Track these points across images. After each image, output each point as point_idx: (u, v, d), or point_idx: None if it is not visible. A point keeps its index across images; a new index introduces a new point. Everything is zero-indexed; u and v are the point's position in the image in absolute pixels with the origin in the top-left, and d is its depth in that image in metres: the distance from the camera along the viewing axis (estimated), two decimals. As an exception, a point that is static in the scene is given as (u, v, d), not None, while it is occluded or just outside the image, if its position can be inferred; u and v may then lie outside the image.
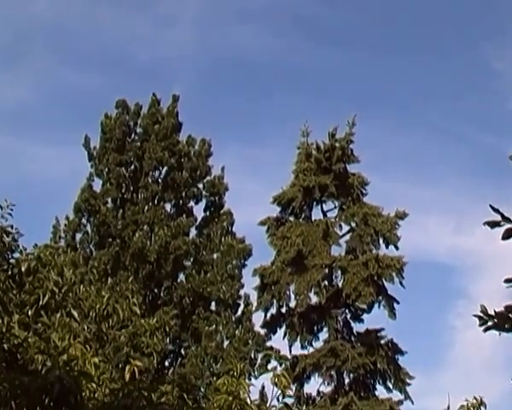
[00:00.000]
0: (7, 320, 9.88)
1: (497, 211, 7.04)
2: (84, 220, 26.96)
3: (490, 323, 7.34)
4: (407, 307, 27.29)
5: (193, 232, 27.32)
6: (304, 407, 24.61)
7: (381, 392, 24.82)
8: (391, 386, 24.73)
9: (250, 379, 20.87)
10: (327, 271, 25.16)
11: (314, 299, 25.13)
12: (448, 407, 16.36)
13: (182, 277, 26.72)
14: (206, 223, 27.50)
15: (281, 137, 44.15)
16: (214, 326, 25.76)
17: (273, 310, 25.44)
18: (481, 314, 7.34)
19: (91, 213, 26.82)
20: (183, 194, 27.59)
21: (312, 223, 25.85)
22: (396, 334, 25.14)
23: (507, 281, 7.18)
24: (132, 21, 47.69)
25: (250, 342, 25.66)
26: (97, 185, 27.36)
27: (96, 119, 28.12)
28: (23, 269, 10.60)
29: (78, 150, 27.79)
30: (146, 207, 26.97)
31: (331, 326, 24.94)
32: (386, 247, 25.33)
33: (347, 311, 25.49)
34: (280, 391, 10.82)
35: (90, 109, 39.81)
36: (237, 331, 25.91)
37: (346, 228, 25.79)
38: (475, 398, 14.93)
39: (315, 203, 26.18)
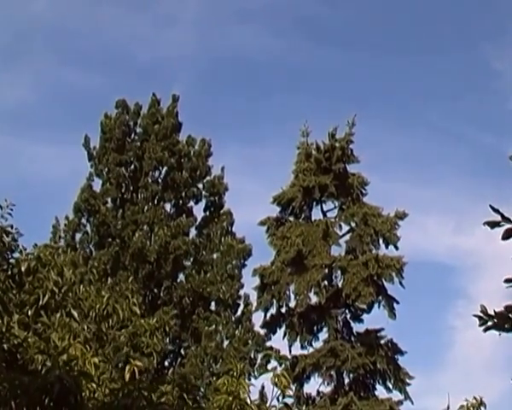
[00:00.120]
0: (7, 320, 9.88)
1: (496, 211, 7.05)
2: (83, 220, 26.97)
3: (490, 323, 7.35)
4: (407, 307, 27.32)
5: (193, 232, 27.35)
6: (304, 407, 24.62)
7: (380, 392, 24.87)
8: (391, 386, 24.75)
9: (250, 379, 20.86)
10: (327, 271, 25.16)
11: (314, 299, 25.17)
12: (448, 407, 16.38)
13: (182, 277, 26.72)
14: (205, 223, 27.50)
15: (281, 137, 44.17)
16: (214, 326, 25.76)
17: (273, 310, 25.47)
18: (481, 314, 7.35)
19: (91, 213, 26.82)
20: (183, 194, 27.59)
21: (312, 223, 25.85)
22: (396, 334, 25.18)
23: (507, 281, 7.19)
24: (132, 21, 47.73)
25: (250, 342, 25.66)
26: (97, 185, 27.40)
27: (96, 119, 28.17)
28: (23, 269, 10.60)
29: (78, 150, 27.84)
30: (146, 207, 26.97)
31: (331, 326, 24.94)
32: (386, 247, 25.36)
33: (347, 311, 25.49)
34: (280, 391, 10.83)
35: (90, 109, 39.81)
36: (237, 331, 25.91)
37: (345, 228, 25.83)
38: (475, 398, 14.94)
39: (315, 203, 26.19)
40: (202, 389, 24.01)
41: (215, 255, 26.98)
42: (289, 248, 24.97)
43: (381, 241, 25.31)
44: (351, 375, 24.69)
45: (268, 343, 25.75)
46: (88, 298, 11.96)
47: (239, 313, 26.44)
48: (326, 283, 25.25)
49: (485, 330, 7.39)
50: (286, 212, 26.06)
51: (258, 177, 42.75)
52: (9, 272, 10.52)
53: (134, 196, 27.32)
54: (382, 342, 24.81)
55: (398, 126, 45.89)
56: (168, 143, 27.52)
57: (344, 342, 24.63)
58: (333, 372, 24.56)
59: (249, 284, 26.04)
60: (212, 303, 26.52)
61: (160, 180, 27.59)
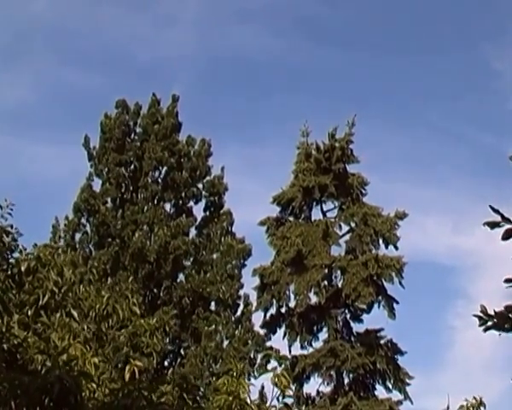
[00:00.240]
0: (6, 320, 9.89)
1: (496, 211, 7.05)
2: (83, 220, 26.96)
3: (489, 323, 7.35)
4: (406, 307, 27.31)
5: (192, 232, 27.34)
6: (303, 407, 24.62)
7: (380, 392, 24.87)
8: (390, 386, 24.75)
9: (250, 379, 20.82)
10: (326, 271, 25.16)
11: (314, 299, 25.16)
12: (448, 407, 16.39)
13: (181, 277, 26.71)
14: (205, 223, 27.50)
15: (281, 137, 44.18)
16: (214, 326, 25.75)
17: (273, 310, 25.46)
18: (481, 314, 7.35)
19: (91, 213, 26.82)
20: (183, 194, 27.58)
21: (312, 223, 25.85)
22: (395, 334, 25.19)
23: (507, 281, 7.19)
24: (132, 21, 47.73)
25: (250, 342, 25.66)
26: (97, 185, 27.39)
27: (96, 119, 28.15)
28: (23, 269, 10.61)
29: (78, 150, 27.83)
30: (145, 207, 26.96)
31: (331, 326, 24.95)
32: (386, 247, 25.36)
33: (347, 311, 25.49)
34: (280, 391, 10.85)
35: (90, 109, 39.81)
36: (237, 331, 25.91)
37: (345, 228, 25.83)
38: (475, 398, 14.96)
39: (315, 203, 26.18)
40: (202, 389, 23.88)
41: (215, 255, 26.97)
42: (289, 248, 24.97)
43: (380, 241, 25.32)
44: (350, 375, 24.70)
45: (268, 343, 25.76)
46: (88, 298, 11.96)
47: (239, 313, 26.44)
48: (326, 283, 25.25)
49: (485, 330, 7.40)
50: (286, 212, 26.07)
51: (258, 177, 42.78)
52: (9, 272, 10.53)
53: (134, 196, 27.31)
54: (382, 342, 24.81)
55: (398, 126, 45.94)
56: (168, 143, 27.52)
57: (344, 343, 24.63)
58: (333, 372, 24.56)
59: (249, 284, 26.08)
60: (212, 303, 26.52)
61: (159, 180, 27.58)
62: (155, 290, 26.54)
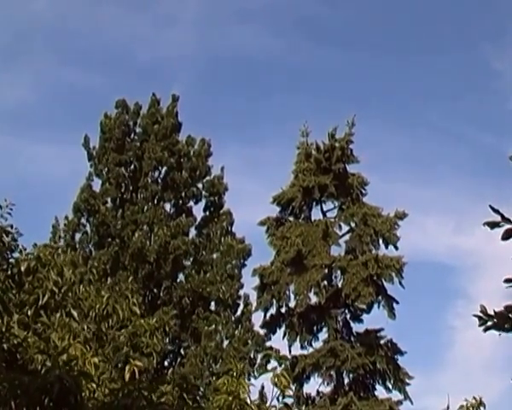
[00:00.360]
0: (6, 320, 9.89)
1: (496, 211, 7.05)
2: (83, 220, 26.96)
3: (489, 323, 7.35)
4: (406, 307, 27.31)
5: (192, 232, 27.34)
6: (303, 407, 24.62)
7: (380, 392, 24.86)
8: (390, 386, 24.74)
9: (250, 379, 20.83)
10: (326, 271, 25.15)
11: (314, 299, 25.16)
12: (447, 407, 16.40)
13: (181, 277, 26.71)
14: (205, 223, 27.50)
15: (281, 137, 44.18)
16: (214, 326, 25.75)
17: (273, 310, 25.46)
18: (481, 314, 7.35)
19: (91, 213, 26.82)
20: (183, 194, 27.58)
21: (312, 223, 25.84)
22: (395, 334, 25.19)
23: (506, 281, 7.19)
24: (132, 21, 47.73)
25: (250, 342, 25.66)
26: (97, 185, 27.39)
27: (96, 118, 28.16)
28: (22, 269, 10.61)
29: (78, 150, 27.83)
30: (145, 207, 26.96)
31: (331, 326, 24.94)
32: (386, 247, 25.35)
33: (347, 311, 25.48)
34: (279, 391, 10.85)
35: (90, 109, 39.82)
36: (237, 331, 25.91)
37: (345, 228, 25.82)
38: (475, 398, 14.96)
39: (314, 203, 26.18)
40: (202, 389, 23.89)
41: (215, 255, 26.97)
42: (289, 248, 24.97)
43: (380, 241, 25.32)
44: (350, 375, 24.69)
45: (268, 343, 25.76)
46: (88, 298, 11.96)
47: (239, 313, 26.44)
48: (326, 283, 25.25)
49: (485, 330, 7.40)
50: (286, 212, 26.06)
51: (258, 177, 42.79)
52: (9, 272, 10.53)
53: (134, 196, 27.31)
54: (382, 342, 24.81)
55: (398, 126, 45.95)
56: (168, 143, 27.52)
57: (344, 343, 24.63)
58: (332, 372, 24.56)
59: (249, 284, 26.08)
60: (212, 303, 26.52)
61: (159, 180, 27.58)
62: (155, 290, 26.54)
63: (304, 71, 45.62)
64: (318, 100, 44.14)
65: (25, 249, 10.82)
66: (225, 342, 25.80)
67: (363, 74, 47.25)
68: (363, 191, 26.00)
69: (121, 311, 12.09)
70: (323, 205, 26.19)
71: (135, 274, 25.29)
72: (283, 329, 25.37)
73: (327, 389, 24.82)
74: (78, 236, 26.85)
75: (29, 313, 10.53)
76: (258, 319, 25.80)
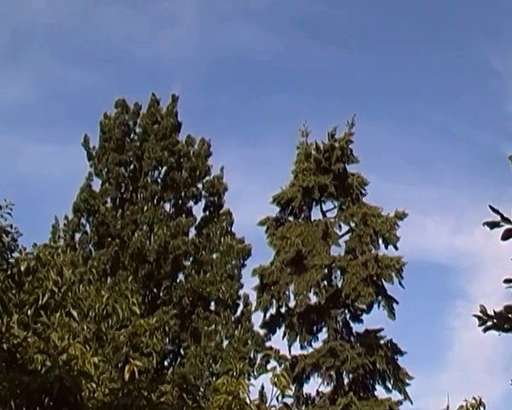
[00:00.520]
0: (6, 320, 9.88)
1: (496, 211, 7.06)
2: (83, 220, 26.95)
3: (489, 323, 7.36)
4: (406, 307, 27.33)
5: (192, 232, 27.33)
6: (303, 408, 24.61)
7: (380, 392, 24.86)
8: (390, 386, 24.74)
9: (249, 379, 20.86)
10: (326, 271, 25.15)
11: (313, 299, 25.17)
12: (447, 408, 16.36)
13: (181, 277, 26.71)
14: (205, 223, 27.49)
15: (280, 137, 44.21)
16: (213, 326, 25.75)
17: (272, 310, 25.45)
18: (481, 314, 7.36)
19: (90, 213, 26.81)
20: (183, 194, 27.58)
21: (312, 223, 25.84)
22: (395, 334, 25.19)
23: (506, 281, 7.19)
24: (132, 21, 47.75)
25: (249, 342, 25.65)
26: (96, 185, 27.38)
27: (96, 118, 28.15)
28: (22, 269, 10.61)
29: (78, 150, 27.83)
30: (145, 207, 26.96)
31: (330, 326, 24.94)
32: (386, 247, 25.35)
33: (347, 311, 25.48)
34: (279, 391, 10.86)
35: (90, 108, 39.88)
36: (237, 331, 25.90)
37: (345, 228, 25.82)
38: (474, 398, 14.92)
39: (314, 203, 26.18)
40: (202, 389, 24.04)
41: (215, 255, 26.97)
42: (289, 248, 24.97)
43: (380, 241, 25.32)
44: (350, 375, 24.69)
45: (267, 343, 25.76)
46: (87, 298, 11.95)
47: (238, 313, 26.44)
48: (325, 283, 25.25)
49: (485, 330, 7.40)
50: (285, 212, 26.06)
51: (258, 177, 42.84)
52: (9, 272, 10.53)
53: (133, 196, 27.31)
54: (382, 342, 24.81)
55: (398, 126, 45.97)
56: (168, 142, 27.51)
57: (343, 343, 24.63)
58: (332, 373, 24.56)
59: (249, 284, 26.07)
60: (212, 303, 26.51)
61: (159, 180, 27.58)
62: (155, 290, 26.54)
63: (304, 71, 45.69)
64: (318, 100, 44.19)
65: (24, 249, 10.83)
66: (225, 342, 25.80)
67: (364, 74, 47.33)
68: (363, 191, 26.01)
69: (121, 311, 12.08)
70: (323, 205, 26.22)
71: (135, 274, 25.28)
72: (283, 329, 25.37)
73: (327, 390, 24.85)
74: (77, 236, 26.85)
75: (29, 312, 10.53)
76: (257, 319, 25.84)
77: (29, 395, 8.91)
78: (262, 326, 25.69)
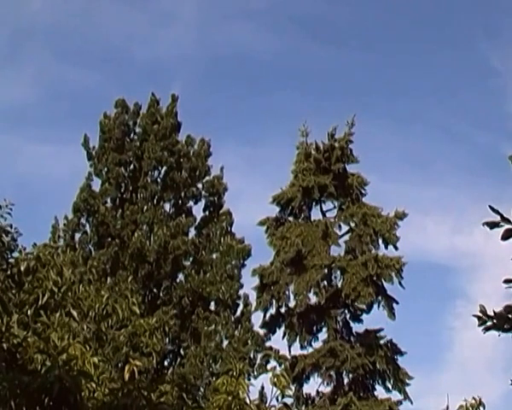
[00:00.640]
0: (6, 320, 9.89)
1: (496, 211, 7.06)
2: (83, 220, 26.94)
3: (489, 323, 7.36)
4: (406, 307, 27.32)
5: (192, 232, 27.31)
6: (303, 408, 24.62)
7: (380, 392, 24.86)
8: (390, 386, 24.75)
9: (249, 379, 20.78)
10: (326, 271, 25.16)
11: (313, 299, 25.17)
12: (447, 408, 16.35)
13: (181, 277, 26.70)
14: (205, 223, 27.48)
15: (280, 137, 44.21)
16: (213, 326, 25.74)
17: (272, 310, 25.46)
18: (480, 315, 7.36)
19: (90, 213, 26.80)
20: (183, 194, 27.57)
21: (312, 223, 25.84)
22: (395, 334, 25.20)
23: (506, 281, 7.19)
24: (131, 20, 47.76)
25: (249, 342, 25.65)
26: (96, 185, 27.36)
27: (96, 118, 28.14)
28: (22, 269, 10.61)
29: (78, 150, 27.82)
30: (145, 207, 26.95)
31: (330, 326, 24.94)
32: (386, 247, 25.35)
33: (346, 311, 25.48)
34: (279, 391, 10.86)
35: (90, 108, 39.88)
36: (236, 331, 25.89)
37: (345, 228, 25.83)
38: (474, 398, 14.92)
39: (314, 203, 26.18)
40: (202, 389, 24.07)
41: (214, 255, 26.96)
42: (289, 248, 24.96)
43: (380, 241, 25.32)
44: (350, 375, 24.69)
45: (267, 343, 25.75)
46: (87, 298, 11.94)
47: (238, 313, 26.42)
48: (325, 283, 25.25)
49: (485, 330, 7.40)
50: (285, 212, 26.06)
51: (258, 177, 42.85)
52: (9, 272, 10.53)
53: (133, 196, 27.30)
54: (382, 342, 24.81)
55: (398, 126, 45.97)
56: (167, 142, 27.50)
57: (343, 343, 24.63)
58: (332, 373, 24.56)
59: (249, 284, 26.07)
60: (212, 303, 26.50)
61: (159, 180, 27.57)
62: (155, 290, 26.54)
63: (304, 70, 45.69)
64: (318, 100, 44.20)
65: (24, 249, 10.82)
66: (225, 343, 25.79)
67: (364, 74, 47.34)
68: (363, 191, 26.00)
69: (121, 311, 12.08)
70: (323, 205, 26.22)
71: (135, 274, 25.28)
72: (283, 329, 25.37)
73: (326, 390, 24.85)
74: (77, 236, 26.84)
75: (29, 312, 10.53)
76: (257, 319, 25.84)
77: (29, 395, 8.91)
78: (262, 326, 25.70)
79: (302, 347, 25.16)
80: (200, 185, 27.78)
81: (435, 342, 40.08)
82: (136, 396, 9.77)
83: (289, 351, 25.17)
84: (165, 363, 25.81)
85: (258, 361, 25.58)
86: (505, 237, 7.06)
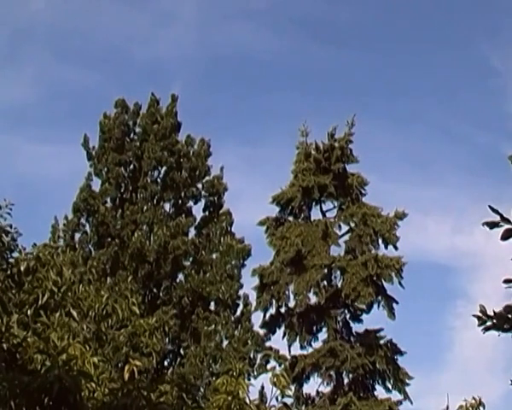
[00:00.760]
0: (6, 320, 9.89)
1: (496, 211, 7.06)
2: (83, 220, 26.93)
3: (489, 323, 7.35)
4: (406, 307, 27.32)
5: (192, 232, 27.31)
6: (303, 408, 24.61)
7: (380, 392, 24.86)
8: (390, 386, 24.74)
9: (249, 379, 20.87)
10: (326, 271, 25.15)
11: (313, 299, 25.16)
12: (447, 408, 16.36)
13: (181, 277, 26.70)
14: (205, 223, 27.48)
15: (280, 137, 44.22)
16: (213, 326, 25.74)
17: (272, 310, 25.45)
18: (480, 315, 7.35)
19: (90, 213, 26.80)
20: (183, 194, 27.56)
21: (311, 223, 25.84)
22: (395, 334, 25.19)
23: (506, 281, 7.19)
24: (131, 20, 47.75)
25: (249, 342, 25.64)
26: (96, 185, 27.36)
27: (96, 118, 28.14)
28: (22, 269, 10.61)
29: (77, 150, 27.82)
30: (145, 207, 26.94)
31: (330, 326, 24.93)
32: (386, 247, 25.34)
33: (346, 311, 25.48)
34: (279, 391, 10.85)
35: (90, 108, 39.87)
36: (236, 331, 25.89)
37: (345, 228, 25.82)
38: (474, 398, 14.92)
39: (314, 203, 26.17)
40: (201, 389, 24.07)
41: (214, 255, 26.96)
42: (288, 248, 24.96)
43: (380, 241, 25.31)
44: (350, 375, 24.69)
45: (267, 343, 25.75)
46: (87, 298, 11.94)
47: (238, 313, 26.42)
48: (325, 283, 25.25)
49: (485, 330, 7.40)
50: (285, 212, 26.06)
51: (258, 177, 42.85)
52: (9, 272, 10.53)
53: (133, 196, 27.29)
54: (382, 342, 24.81)
55: (398, 126, 45.98)
56: (167, 142, 27.50)
57: (343, 343, 24.63)
58: (332, 373, 24.56)
59: (248, 284, 26.06)
60: (212, 303, 26.50)
61: (159, 180, 27.57)
62: (155, 290, 26.54)
63: (304, 70, 45.71)
64: (318, 100, 44.20)
65: (24, 249, 10.82)
66: (225, 343, 25.79)
67: (364, 74, 47.34)
68: (363, 191, 26.00)
69: (121, 311, 12.07)
70: (323, 205, 26.22)
71: (134, 274, 25.27)
72: (283, 329, 25.37)
73: (326, 390, 24.85)
74: (77, 236, 26.84)
75: (28, 312, 10.53)
76: (257, 319, 25.84)
77: (29, 395, 8.91)
78: (262, 326, 25.70)
79: (302, 347, 25.18)
80: (200, 185, 27.79)
81: (435, 342, 40.11)
82: (135, 396, 9.77)
83: (289, 351, 25.21)
84: (165, 363, 25.81)
85: (258, 361, 25.60)
86: (505, 237, 7.06)
